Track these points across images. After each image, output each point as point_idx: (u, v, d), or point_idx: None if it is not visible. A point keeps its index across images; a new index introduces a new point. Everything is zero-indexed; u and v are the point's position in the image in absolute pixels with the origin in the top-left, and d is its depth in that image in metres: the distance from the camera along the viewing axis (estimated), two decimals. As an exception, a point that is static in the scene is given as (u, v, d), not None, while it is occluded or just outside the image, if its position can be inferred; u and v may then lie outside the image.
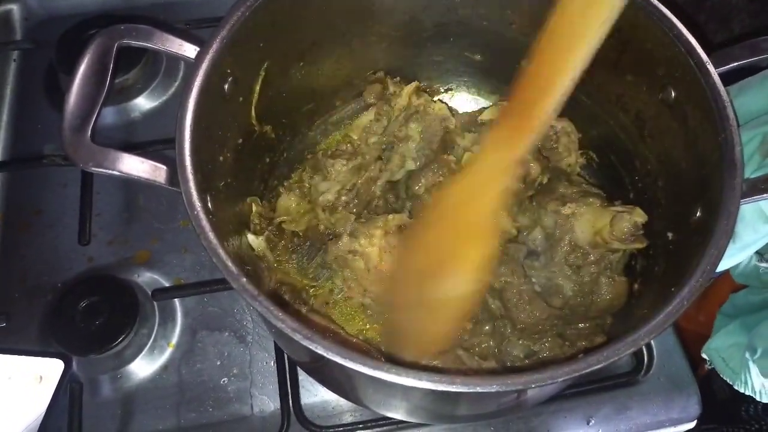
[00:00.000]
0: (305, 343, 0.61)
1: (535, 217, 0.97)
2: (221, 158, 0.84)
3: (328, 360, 0.60)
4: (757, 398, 1.06)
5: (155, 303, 1.05)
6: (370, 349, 0.88)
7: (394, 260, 0.91)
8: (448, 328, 0.83)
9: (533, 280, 0.95)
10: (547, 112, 0.70)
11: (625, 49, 0.90)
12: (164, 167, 0.71)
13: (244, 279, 0.64)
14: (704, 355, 1.13)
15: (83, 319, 1.00)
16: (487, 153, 0.77)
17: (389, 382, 0.60)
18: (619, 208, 0.90)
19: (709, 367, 1.13)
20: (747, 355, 1.04)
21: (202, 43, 0.77)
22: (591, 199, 0.93)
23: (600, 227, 0.90)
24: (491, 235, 0.79)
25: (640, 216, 0.88)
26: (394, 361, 0.69)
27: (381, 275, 0.92)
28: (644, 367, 1.01)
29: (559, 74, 0.68)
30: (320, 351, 0.60)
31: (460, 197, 0.79)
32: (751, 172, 0.92)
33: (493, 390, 0.59)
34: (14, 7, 1.35)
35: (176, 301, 1.06)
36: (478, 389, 0.59)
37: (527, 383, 0.61)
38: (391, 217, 0.95)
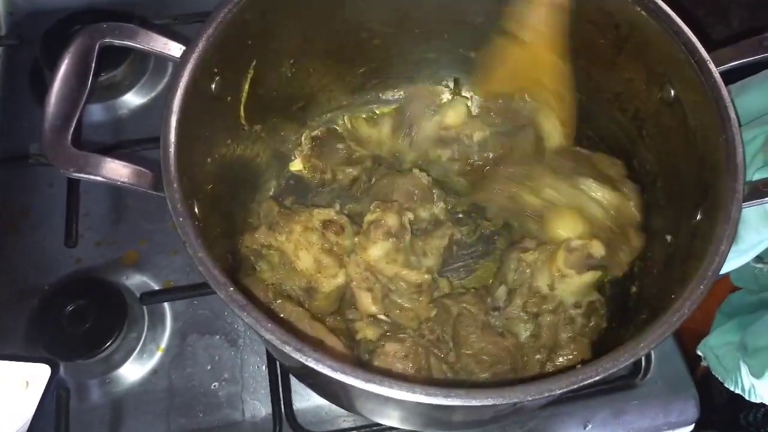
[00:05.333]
0: (295, 355, 0.59)
1: (501, 273, 0.96)
2: (209, 160, 0.82)
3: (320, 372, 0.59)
4: (746, 397, 1.05)
5: (144, 306, 1.03)
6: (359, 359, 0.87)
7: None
8: None
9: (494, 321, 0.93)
10: None
11: (623, 46, 0.88)
12: (148, 172, 0.68)
13: (231, 288, 0.62)
14: (699, 352, 1.12)
15: (70, 323, 0.98)
16: None
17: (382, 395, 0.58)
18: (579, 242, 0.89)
19: (705, 365, 1.12)
20: (738, 353, 1.03)
21: (188, 42, 0.75)
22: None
23: (555, 261, 0.89)
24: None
25: (596, 248, 0.88)
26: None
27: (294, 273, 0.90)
28: (642, 370, 1.00)
29: None
30: (310, 364, 0.58)
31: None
32: (754, 172, 0.90)
33: (488, 404, 0.58)
34: (-2, 3, 1.33)
35: (166, 304, 1.04)
36: (474, 402, 0.58)
37: (524, 396, 0.59)
38: (316, 211, 0.91)
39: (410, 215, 0.93)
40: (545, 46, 0.93)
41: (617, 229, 0.92)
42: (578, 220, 0.91)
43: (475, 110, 1.09)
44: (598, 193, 0.93)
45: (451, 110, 1.04)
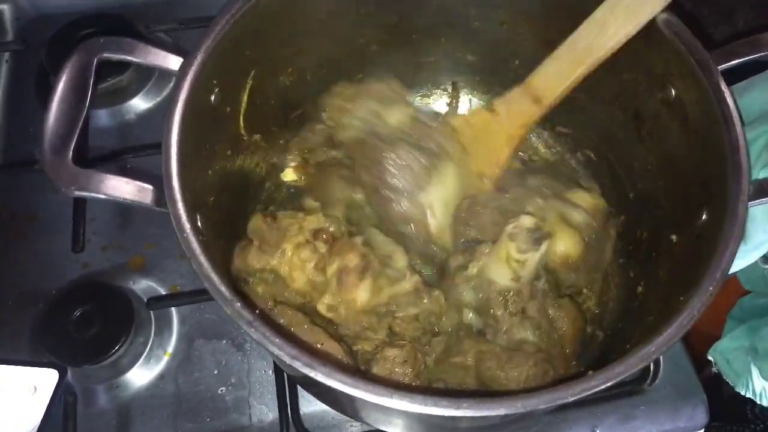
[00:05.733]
0: (305, 370, 0.59)
1: (454, 300, 0.92)
2: (210, 172, 0.82)
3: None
4: (757, 401, 1.05)
5: (151, 311, 1.03)
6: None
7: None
8: None
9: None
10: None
11: (622, 45, 0.87)
12: (150, 187, 0.68)
13: (238, 304, 0.62)
14: (710, 357, 1.11)
15: (77, 328, 0.98)
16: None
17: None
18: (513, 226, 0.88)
19: (715, 371, 1.11)
20: (749, 357, 1.02)
21: (187, 54, 0.74)
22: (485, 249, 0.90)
23: (507, 254, 0.86)
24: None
25: (527, 221, 0.86)
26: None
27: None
28: (650, 375, 0.99)
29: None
30: (320, 378, 0.58)
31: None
32: (759, 170, 0.89)
33: (501, 413, 0.58)
34: (5, 7, 1.33)
35: (172, 308, 1.04)
36: (485, 413, 0.58)
37: (536, 404, 0.59)
38: (306, 221, 0.88)
39: (360, 237, 0.89)
40: (507, 132, 0.95)
41: (598, 227, 0.94)
42: (574, 235, 0.91)
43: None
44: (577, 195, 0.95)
45: (397, 107, 0.98)
